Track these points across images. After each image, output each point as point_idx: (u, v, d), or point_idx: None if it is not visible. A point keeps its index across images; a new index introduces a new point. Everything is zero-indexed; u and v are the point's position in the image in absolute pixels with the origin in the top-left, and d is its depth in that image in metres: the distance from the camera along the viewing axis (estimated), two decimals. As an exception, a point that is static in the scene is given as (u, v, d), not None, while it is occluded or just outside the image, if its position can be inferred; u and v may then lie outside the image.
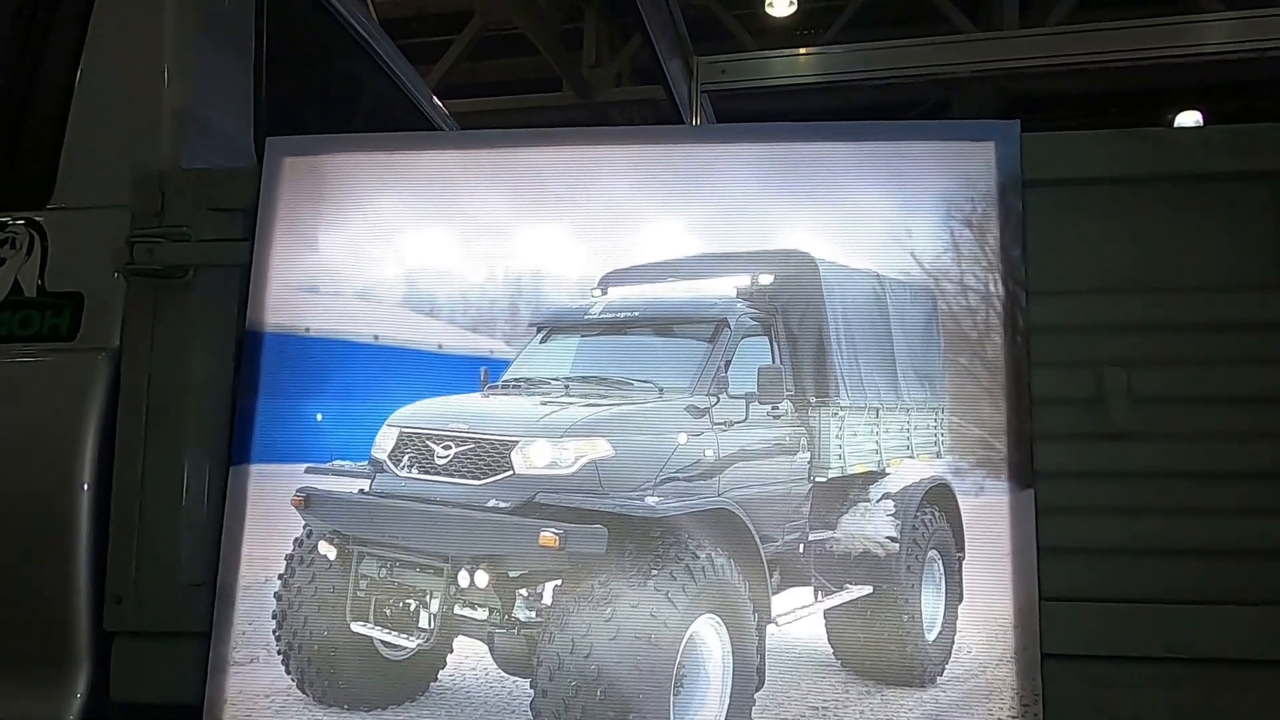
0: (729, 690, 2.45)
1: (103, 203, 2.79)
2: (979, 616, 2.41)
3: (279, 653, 2.61)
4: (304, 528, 2.70)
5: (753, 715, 2.44)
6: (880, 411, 2.83)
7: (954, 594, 2.60)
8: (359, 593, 2.60)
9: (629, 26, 9.39)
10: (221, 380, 2.69)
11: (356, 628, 2.59)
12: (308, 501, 2.66)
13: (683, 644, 2.37)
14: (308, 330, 2.71)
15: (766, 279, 2.78)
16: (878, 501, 2.82)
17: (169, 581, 2.60)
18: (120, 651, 2.60)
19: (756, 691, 2.46)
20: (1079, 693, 2.36)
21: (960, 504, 2.57)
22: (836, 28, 9.29)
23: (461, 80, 9.92)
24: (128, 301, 2.73)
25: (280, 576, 2.66)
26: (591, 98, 9.99)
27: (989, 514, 2.44)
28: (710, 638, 2.46)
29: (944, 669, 2.54)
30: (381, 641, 2.62)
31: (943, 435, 2.58)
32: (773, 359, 2.77)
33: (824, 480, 2.77)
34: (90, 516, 2.62)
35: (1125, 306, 2.49)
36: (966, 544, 2.52)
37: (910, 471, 2.84)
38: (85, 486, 2.63)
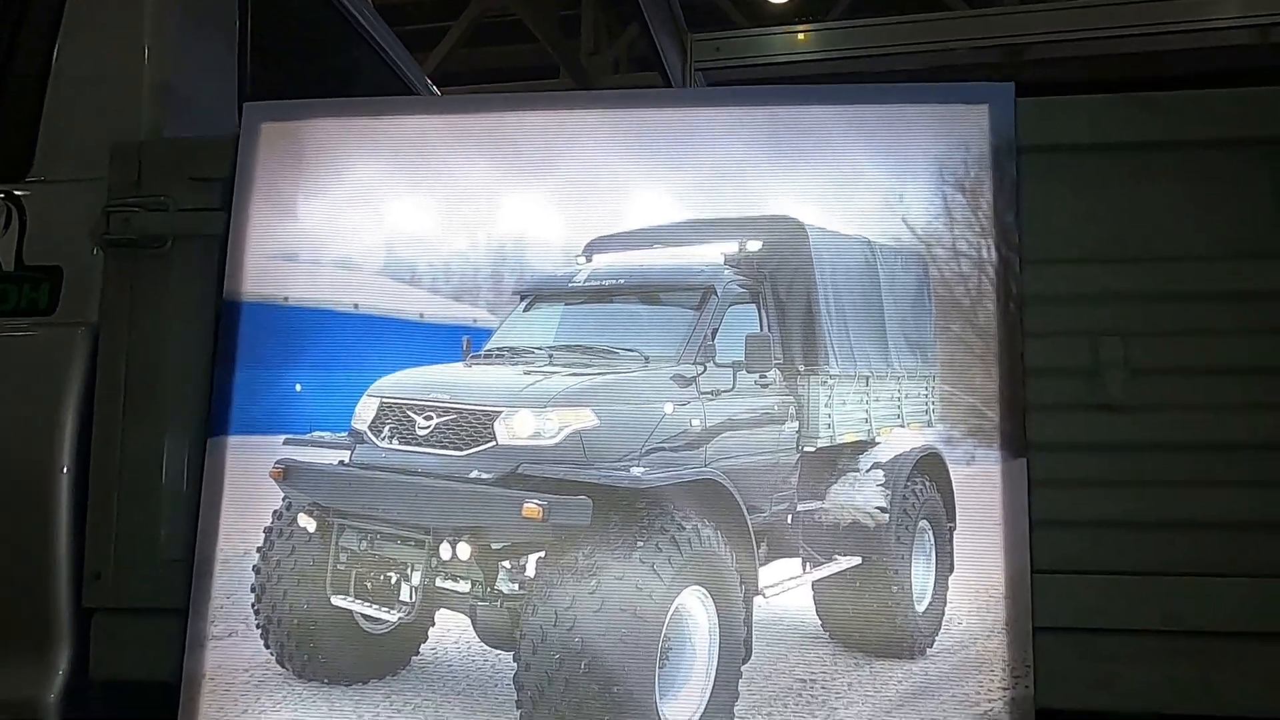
0: (715, 663, 2.39)
1: (82, 176, 2.73)
2: (970, 587, 2.35)
3: (258, 627, 2.56)
4: (283, 500, 2.64)
5: (739, 688, 2.39)
6: (870, 380, 2.77)
7: (945, 565, 2.55)
8: (339, 566, 2.55)
9: (627, 14, 9.26)
10: (201, 353, 2.63)
11: (337, 601, 2.54)
12: (286, 473, 2.61)
13: (668, 616, 2.32)
14: (286, 299, 2.65)
15: (754, 245, 2.71)
16: (867, 471, 2.76)
17: (148, 557, 2.55)
18: (99, 628, 2.55)
19: (743, 664, 2.41)
20: (1072, 666, 2.30)
21: (951, 473, 2.52)
22: (835, 14, 9.15)
23: (458, 68, 9.78)
24: (106, 274, 2.67)
25: (259, 550, 2.60)
26: (589, 85, 9.88)
27: (981, 483, 2.38)
28: (696, 610, 2.40)
29: (934, 640, 2.49)
30: (362, 615, 2.57)
31: (934, 404, 2.52)
32: (761, 326, 2.71)
33: (812, 450, 2.72)
34: (70, 493, 2.57)
35: (1122, 275, 2.42)
36: (958, 514, 2.46)
37: (901, 441, 2.79)
38: (65, 462, 2.58)
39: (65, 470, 2.57)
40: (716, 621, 2.41)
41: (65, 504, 2.57)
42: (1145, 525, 2.34)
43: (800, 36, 8.44)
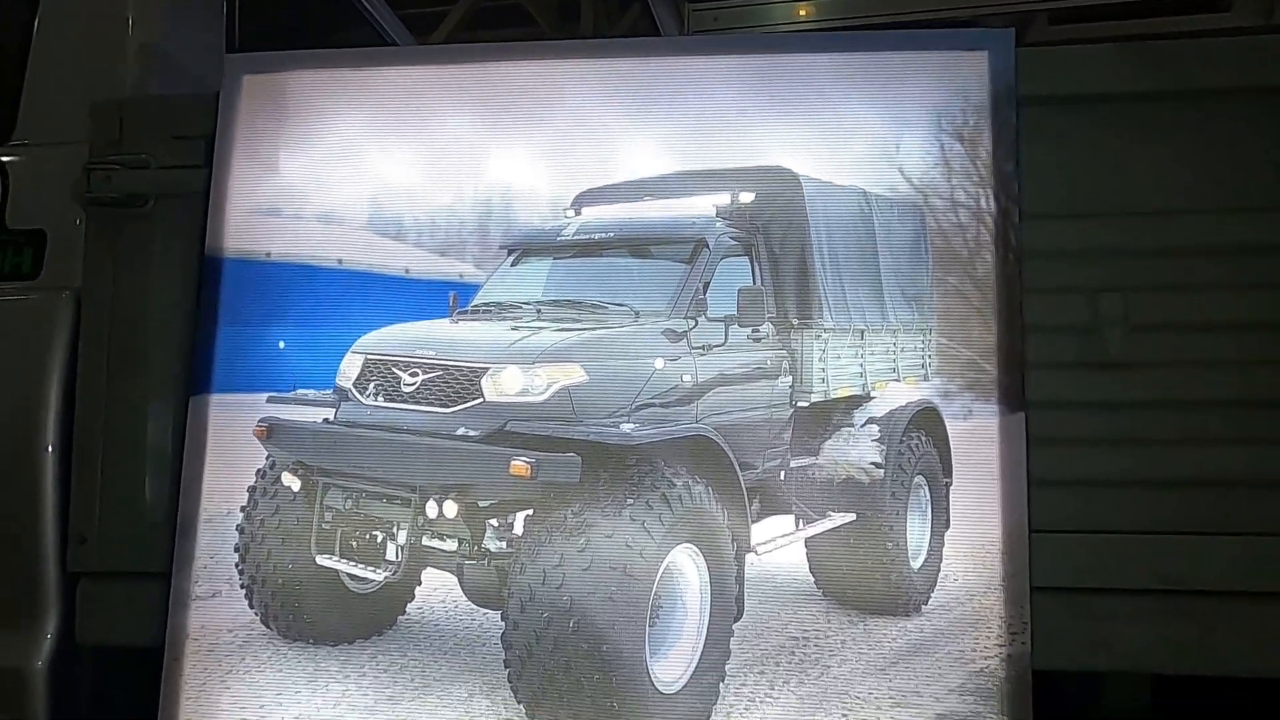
0: (707, 621, 2.34)
1: (66, 139, 2.66)
2: (966, 543, 2.29)
3: (242, 587, 2.52)
4: (267, 459, 2.59)
5: (731, 646, 2.35)
6: (865, 333, 2.71)
7: (940, 521, 2.50)
8: (324, 525, 2.49)
9: (627, -2, 9.11)
10: (186, 314, 2.56)
11: (322, 561, 2.48)
12: (270, 432, 2.55)
13: (659, 574, 2.26)
14: (269, 255, 2.58)
15: (747, 197, 2.64)
16: (862, 426, 2.70)
17: (133, 521, 2.49)
18: (85, 593, 2.49)
19: (735, 622, 2.36)
20: (1069, 626, 2.25)
21: (948, 428, 2.46)
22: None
23: (458, 53, 9.65)
24: (88, 235, 2.61)
25: (243, 509, 2.55)
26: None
27: (978, 438, 2.31)
28: (687, 568, 2.35)
29: (929, 597, 2.45)
30: (347, 574, 2.52)
31: (930, 357, 2.45)
32: (753, 280, 2.64)
33: (806, 405, 2.66)
34: (56, 458, 2.52)
35: (1123, 231, 2.34)
36: (954, 469, 2.40)
37: (896, 395, 2.73)
38: (50, 428, 2.52)
39: (51, 436, 2.52)
40: (708, 579, 2.35)
41: (51, 470, 2.51)
42: (1143, 484, 2.28)
43: (801, 11, 8.29)
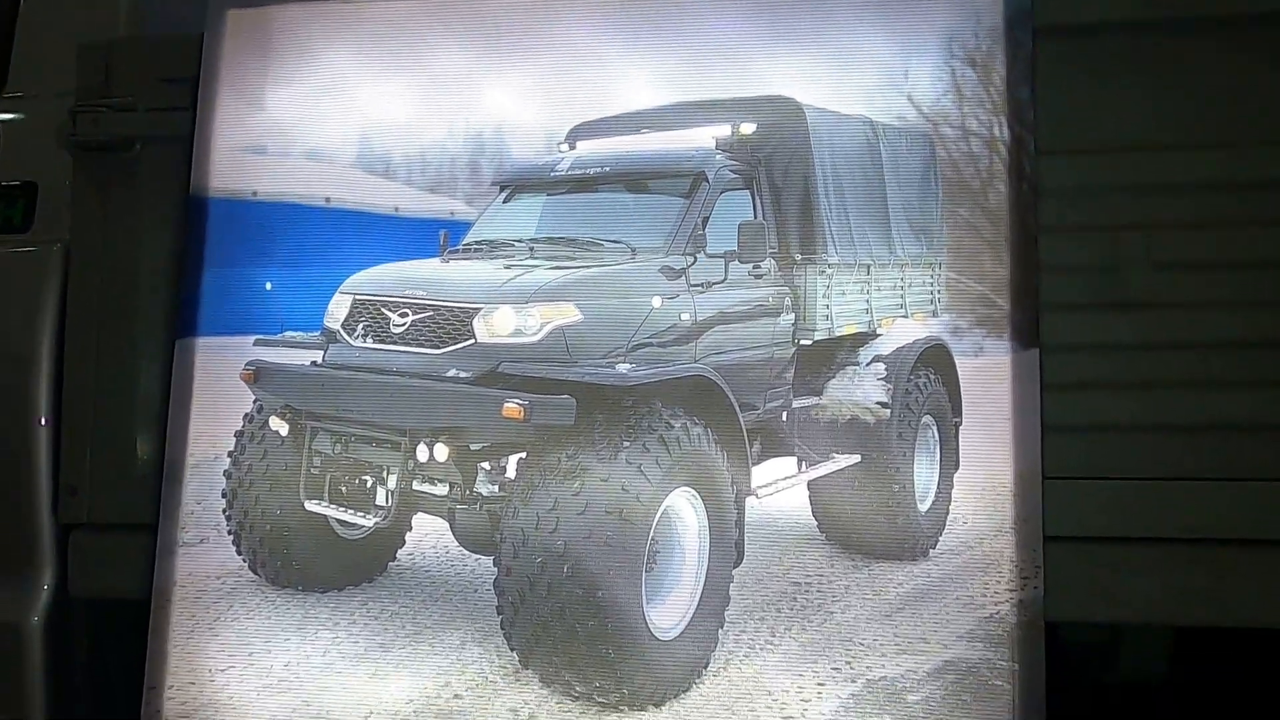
0: (705, 566, 2.26)
1: (57, 90, 2.57)
2: (976, 485, 2.18)
3: (230, 533, 2.45)
4: (254, 403, 2.51)
5: (730, 592, 2.26)
6: (872, 268, 2.60)
7: (949, 462, 2.40)
8: (313, 470, 2.41)
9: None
10: (173, 260, 2.47)
11: (310, 506, 2.40)
12: (257, 375, 2.46)
13: (656, 519, 2.17)
14: (255, 194, 2.48)
15: (748, 128, 2.52)
16: (868, 365, 2.60)
17: (124, 472, 2.41)
18: (76, 545, 2.42)
19: (735, 568, 2.28)
20: (1082, 576, 2.12)
21: (958, 366, 2.35)
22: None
23: None
24: (76, 184, 2.52)
25: (230, 454, 2.48)
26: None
27: (989, 376, 2.19)
28: (686, 512, 2.26)
29: (937, 541, 2.36)
30: (337, 520, 2.44)
31: (940, 292, 2.35)
32: (755, 214, 2.52)
33: (809, 343, 2.55)
34: (50, 410, 2.45)
35: (1144, 165, 2.19)
36: (964, 408, 2.29)
37: (904, 332, 2.62)
38: (43, 380, 2.46)
39: (44, 388, 2.45)
40: (707, 524, 2.26)
41: (45, 422, 2.45)
42: (1160, 429, 2.15)
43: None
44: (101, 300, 2.49)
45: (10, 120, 2.64)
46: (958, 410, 2.35)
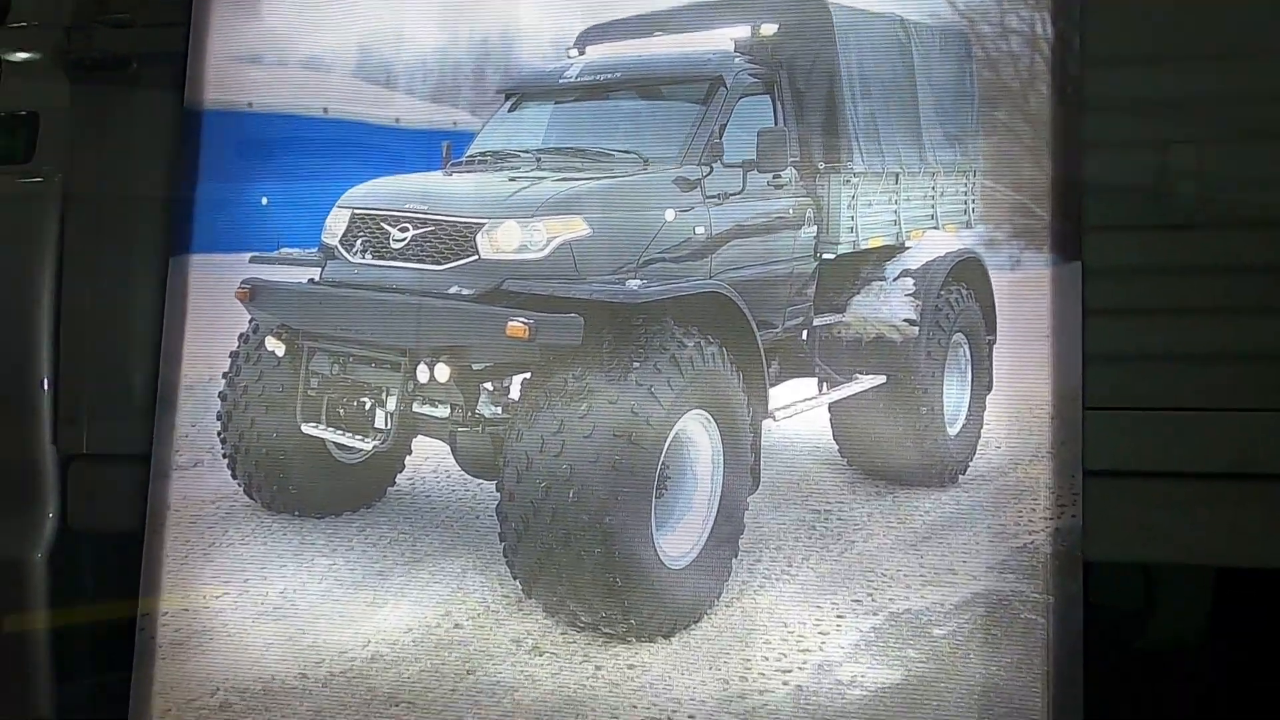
0: (719, 493, 2.16)
1: (58, 21, 2.47)
2: (1011, 407, 2.03)
3: (224, 456, 2.37)
4: (249, 322, 2.41)
5: (745, 520, 2.16)
6: (901, 177, 2.44)
7: (982, 382, 2.26)
8: (310, 391, 2.31)
9: None
10: (168, 177, 2.37)
11: (307, 429, 2.31)
12: (253, 293, 2.35)
13: (667, 443, 2.06)
14: (250, 105, 2.36)
15: (770, 29, 2.38)
16: (895, 280, 2.47)
17: (120, 398, 2.33)
18: (75, 476, 2.34)
19: (750, 494, 2.17)
20: (1123, 513, 1.98)
21: (993, 280, 2.20)
22: None
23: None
24: (74, 110, 2.42)
25: (224, 375, 2.39)
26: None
27: (1027, 290, 2.04)
28: (699, 435, 2.15)
29: (967, 466, 2.23)
30: (334, 443, 2.35)
31: (974, 202, 2.20)
32: (775, 120, 2.38)
33: (832, 257, 2.43)
34: (51, 342, 2.38)
35: (1196, 76, 2.03)
36: (999, 326, 2.14)
37: (934, 244, 2.48)
38: (45, 309, 2.38)
39: (46, 318, 2.37)
40: (721, 448, 2.16)
41: (47, 354, 2.38)
42: (1212, 357, 2.01)
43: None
44: (98, 222, 2.40)
45: (12, 52, 2.53)
46: (992, 328, 2.20)
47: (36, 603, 2.36)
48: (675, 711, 2.02)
